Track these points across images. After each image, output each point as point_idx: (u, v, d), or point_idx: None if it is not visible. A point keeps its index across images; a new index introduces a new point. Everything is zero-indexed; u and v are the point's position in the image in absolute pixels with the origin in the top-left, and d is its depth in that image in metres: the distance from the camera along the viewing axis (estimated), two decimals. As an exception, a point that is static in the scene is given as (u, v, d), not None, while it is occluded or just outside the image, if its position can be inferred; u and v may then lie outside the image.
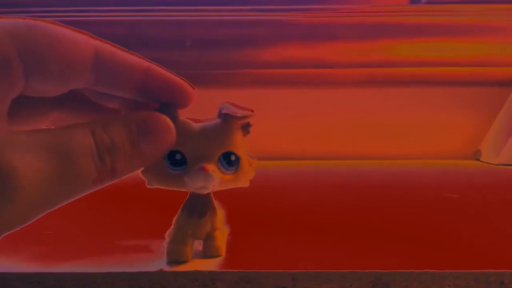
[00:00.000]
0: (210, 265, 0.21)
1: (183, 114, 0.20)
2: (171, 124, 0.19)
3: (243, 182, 0.21)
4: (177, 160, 0.20)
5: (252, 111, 0.20)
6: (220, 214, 0.23)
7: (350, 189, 0.41)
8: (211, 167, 0.19)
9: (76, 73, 0.17)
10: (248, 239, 0.25)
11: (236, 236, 0.25)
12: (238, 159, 0.21)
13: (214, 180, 0.19)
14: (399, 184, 0.43)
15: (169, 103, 0.19)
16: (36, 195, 0.15)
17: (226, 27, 0.54)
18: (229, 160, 0.20)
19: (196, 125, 0.20)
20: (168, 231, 0.24)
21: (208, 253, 0.22)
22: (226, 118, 0.20)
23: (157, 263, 0.21)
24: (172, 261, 0.21)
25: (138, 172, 0.20)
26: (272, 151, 0.56)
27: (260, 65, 0.54)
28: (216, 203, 0.24)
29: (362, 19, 0.54)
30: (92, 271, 0.20)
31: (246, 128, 0.21)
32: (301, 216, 0.31)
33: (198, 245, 0.23)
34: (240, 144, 0.21)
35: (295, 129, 0.57)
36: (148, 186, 0.20)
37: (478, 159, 0.57)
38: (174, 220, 0.24)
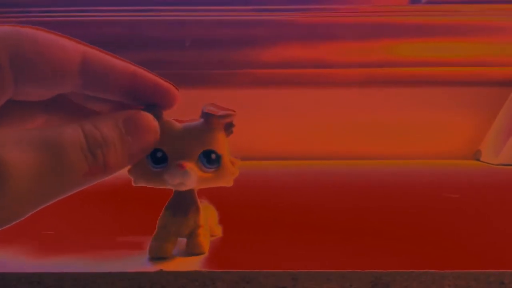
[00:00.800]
0: (210, 265, 0.21)
1: (170, 115, 0.21)
2: (155, 121, 0.19)
3: (225, 181, 0.22)
4: (158, 158, 0.20)
5: (234, 111, 0.21)
6: (210, 214, 0.24)
7: (350, 189, 0.41)
8: (189, 165, 0.20)
9: (64, 78, 0.18)
10: (249, 239, 0.25)
11: (236, 236, 0.25)
12: (219, 157, 0.21)
13: (191, 177, 0.20)
14: (399, 184, 0.43)
15: (153, 104, 0.20)
16: (27, 188, 0.15)
17: (226, 27, 0.54)
18: (209, 159, 0.21)
19: (179, 125, 0.21)
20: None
21: (190, 250, 0.22)
22: (208, 118, 0.21)
23: (157, 263, 0.21)
24: (153, 257, 0.22)
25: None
26: (272, 151, 0.56)
27: (260, 65, 0.54)
28: (207, 203, 0.24)
29: (362, 19, 0.54)
30: (92, 271, 0.20)
31: (228, 128, 0.22)
32: (301, 216, 0.31)
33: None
34: (222, 143, 0.21)
35: (295, 129, 0.57)
36: (134, 185, 0.21)
37: (478, 159, 0.57)
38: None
